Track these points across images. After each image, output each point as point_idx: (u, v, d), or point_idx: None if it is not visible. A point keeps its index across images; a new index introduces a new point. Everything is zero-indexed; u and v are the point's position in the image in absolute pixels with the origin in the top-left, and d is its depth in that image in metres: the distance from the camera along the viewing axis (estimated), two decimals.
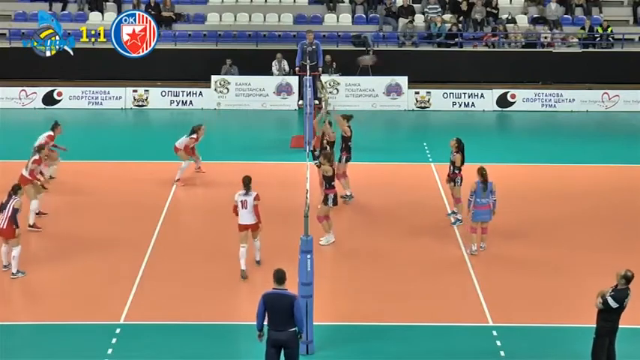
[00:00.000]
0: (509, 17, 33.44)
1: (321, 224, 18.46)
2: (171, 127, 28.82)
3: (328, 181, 18.47)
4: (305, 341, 14.15)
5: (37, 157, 19.43)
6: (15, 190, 16.99)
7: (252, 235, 17.28)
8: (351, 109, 29.82)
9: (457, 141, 19.60)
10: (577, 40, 32.98)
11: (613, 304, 13.17)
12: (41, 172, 19.61)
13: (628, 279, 13.28)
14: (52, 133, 21.16)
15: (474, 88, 30.84)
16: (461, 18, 33.30)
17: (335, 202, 18.57)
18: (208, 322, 15.56)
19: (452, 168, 19.65)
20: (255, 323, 12.97)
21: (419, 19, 33.35)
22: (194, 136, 22.01)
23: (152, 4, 32.46)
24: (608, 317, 13.31)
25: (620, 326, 13.55)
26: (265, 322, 12.88)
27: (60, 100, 30.10)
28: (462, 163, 19.58)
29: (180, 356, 14.49)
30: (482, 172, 17.86)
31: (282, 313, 12.71)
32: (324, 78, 29.61)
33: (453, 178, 19.64)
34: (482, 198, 17.82)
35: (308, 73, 25.52)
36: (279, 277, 12.89)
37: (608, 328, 13.37)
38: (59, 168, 21.72)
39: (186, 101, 30.42)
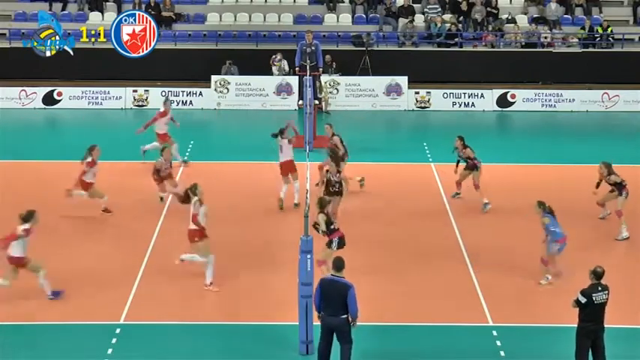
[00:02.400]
0: (509, 17, 33.46)
1: (319, 269, 16.17)
2: (171, 127, 28.86)
3: (328, 227, 16.60)
4: (305, 341, 14.18)
5: (161, 109, 22.13)
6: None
7: (293, 176, 20.12)
8: (351, 109, 29.97)
9: (460, 139, 20.54)
10: (577, 40, 33.00)
11: (582, 298, 13.19)
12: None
13: (597, 275, 13.35)
14: (162, 109, 22.00)
15: (474, 88, 30.85)
16: (461, 18, 33.32)
17: (340, 246, 16.55)
18: (208, 322, 15.57)
19: (469, 161, 20.52)
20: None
21: (419, 19, 33.36)
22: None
23: (152, 4, 32.48)
24: (584, 316, 13.30)
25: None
26: None
27: (60, 100, 30.11)
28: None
29: (180, 356, 14.50)
30: (545, 205, 16.89)
31: (335, 300, 13.13)
32: (324, 78, 29.64)
33: (475, 165, 20.43)
34: (558, 228, 16.73)
35: (308, 73, 25.51)
36: (339, 264, 13.30)
37: (586, 329, 13.30)
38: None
39: (186, 101, 30.43)
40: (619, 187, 19.36)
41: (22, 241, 15.63)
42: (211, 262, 16.35)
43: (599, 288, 13.27)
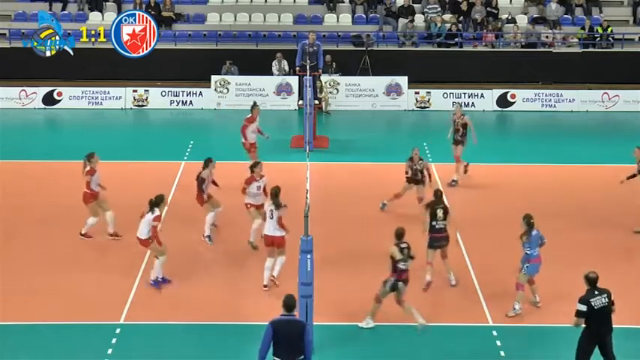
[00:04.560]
0: (509, 17, 33.47)
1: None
2: (171, 127, 28.92)
3: (393, 263, 15.28)
4: None
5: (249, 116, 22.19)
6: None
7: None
8: (351, 109, 29.96)
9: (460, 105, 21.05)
10: (577, 40, 33.00)
11: (581, 307, 13.10)
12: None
13: (590, 280, 13.22)
14: (250, 115, 22.32)
15: (474, 88, 30.85)
16: (461, 18, 33.32)
17: (393, 289, 15.20)
18: (208, 322, 15.57)
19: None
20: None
21: (419, 19, 33.36)
22: None
23: (152, 4, 32.47)
24: (589, 322, 13.19)
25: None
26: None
27: (60, 100, 30.11)
28: None
29: (180, 356, 14.51)
30: (531, 220, 15.83)
31: (292, 340, 12.14)
32: (324, 78, 29.63)
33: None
34: (537, 248, 15.84)
35: (308, 73, 25.51)
36: (289, 304, 12.34)
37: (590, 335, 13.24)
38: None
39: (186, 101, 30.43)
40: None
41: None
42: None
43: (596, 292, 13.17)
